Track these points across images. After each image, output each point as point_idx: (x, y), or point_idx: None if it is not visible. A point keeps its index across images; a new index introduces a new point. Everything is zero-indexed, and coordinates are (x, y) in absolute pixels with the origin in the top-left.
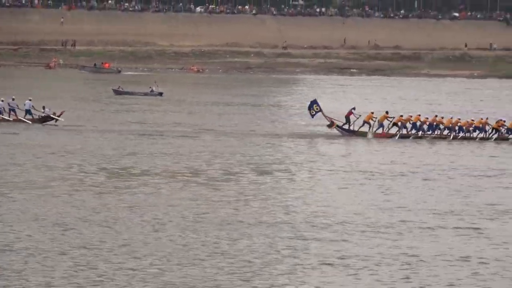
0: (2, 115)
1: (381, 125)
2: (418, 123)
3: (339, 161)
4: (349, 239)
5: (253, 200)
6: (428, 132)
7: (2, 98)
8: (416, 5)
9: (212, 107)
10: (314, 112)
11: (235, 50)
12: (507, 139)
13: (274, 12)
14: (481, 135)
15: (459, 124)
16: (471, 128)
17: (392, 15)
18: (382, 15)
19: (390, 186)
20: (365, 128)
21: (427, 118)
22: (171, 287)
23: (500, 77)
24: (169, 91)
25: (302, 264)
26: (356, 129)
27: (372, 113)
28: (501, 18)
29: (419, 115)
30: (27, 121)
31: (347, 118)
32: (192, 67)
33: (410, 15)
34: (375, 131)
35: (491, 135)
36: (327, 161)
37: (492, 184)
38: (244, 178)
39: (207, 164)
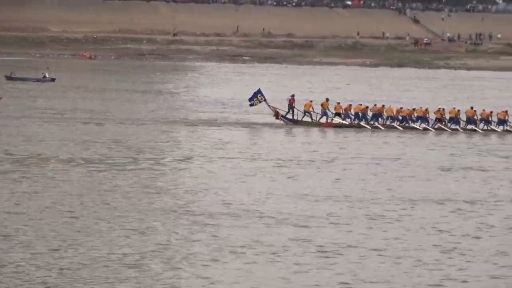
0: None
1: (324, 113)
2: (360, 113)
3: (244, 149)
4: (249, 227)
5: (154, 187)
6: (371, 122)
7: None
8: None
9: (107, 93)
10: (258, 102)
11: (128, 36)
12: (448, 129)
13: None
14: (424, 125)
15: (401, 113)
16: (413, 117)
17: (284, 3)
18: (275, 3)
19: (295, 174)
20: (308, 118)
21: (367, 107)
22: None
23: (392, 65)
24: (61, 77)
25: (199, 252)
26: (300, 119)
27: (311, 101)
28: (394, 7)
29: (360, 104)
30: None
31: (290, 106)
32: (84, 53)
33: (303, 3)
34: (319, 119)
35: (432, 125)
36: (231, 148)
37: (398, 174)
38: (149, 165)
39: (107, 151)
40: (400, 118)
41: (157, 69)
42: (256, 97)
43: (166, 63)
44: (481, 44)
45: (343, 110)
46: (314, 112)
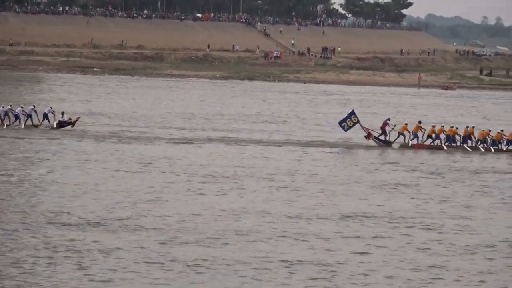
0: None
1: (415, 135)
2: (450, 135)
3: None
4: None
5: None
6: (454, 144)
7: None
8: (159, 5)
9: None
10: (351, 124)
11: None
12: None
13: (17, 10)
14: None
15: (490, 135)
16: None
17: (135, 15)
18: (125, 15)
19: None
20: (400, 139)
21: (457, 128)
22: None
23: (242, 78)
24: None
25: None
26: (392, 140)
27: (406, 124)
28: (244, 20)
29: (452, 127)
30: (45, 127)
31: (383, 129)
32: None
33: (153, 15)
34: (411, 141)
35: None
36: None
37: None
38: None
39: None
40: (490, 140)
41: (10, 80)
42: (350, 118)
43: (17, 73)
44: (331, 58)
45: (435, 132)
46: (409, 133)
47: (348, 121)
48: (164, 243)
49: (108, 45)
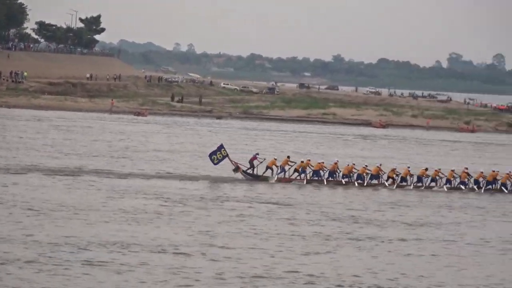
0: None
1: (282, 169)
2: (319, 169)
3: None
4: None
5: None
6: (330, 179)
7: None
8: None
9: None
10: (221, 157)
11: None
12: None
13: None
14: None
15: (354, 169)
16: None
17: None
18: None
19: None
20: (268, 173)
21: (323, 163)
22: None
23: None
24: None
25: None
26: (260, 174)
27: (275, 159)
28: None
29: (319, 163)
30: None
31: (251, 163)
32: None
33: None
34: (277, 175)
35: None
36: None
37: None
38: None
39: None
40: (355, 176)
41: None
42: (220, 151)
43: None
44: (23, 82)
45: (303, 166)
46: (277, 167)
47: (218, 154)
48: None
49: None
